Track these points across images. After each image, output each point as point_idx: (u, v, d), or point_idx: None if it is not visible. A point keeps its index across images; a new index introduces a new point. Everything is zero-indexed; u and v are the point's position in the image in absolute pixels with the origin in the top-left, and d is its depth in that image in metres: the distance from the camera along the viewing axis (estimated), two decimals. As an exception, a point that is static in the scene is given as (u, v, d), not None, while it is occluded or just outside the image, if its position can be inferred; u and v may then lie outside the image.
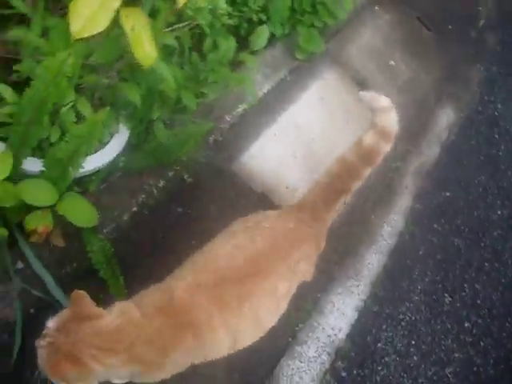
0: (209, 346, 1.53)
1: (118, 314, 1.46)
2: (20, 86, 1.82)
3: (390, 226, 2.83)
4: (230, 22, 2.57)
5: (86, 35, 1.49)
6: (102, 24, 1.51)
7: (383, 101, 1.72)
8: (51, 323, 1.43)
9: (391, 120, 1.70)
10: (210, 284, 1.52)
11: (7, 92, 1.77)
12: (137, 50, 1.60)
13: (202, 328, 1.48)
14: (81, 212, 1.82)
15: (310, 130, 2.83)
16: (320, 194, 1.79)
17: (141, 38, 1.59)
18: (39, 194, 1.75)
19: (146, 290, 1.55)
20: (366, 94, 1.75)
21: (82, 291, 1.46)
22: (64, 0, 1.89)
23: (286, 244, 1.68)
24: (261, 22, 2.73)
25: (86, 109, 1.79)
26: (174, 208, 2.31)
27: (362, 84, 3.16)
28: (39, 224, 1.82)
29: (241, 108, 2.61)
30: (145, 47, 1.61)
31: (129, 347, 1.40)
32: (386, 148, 1.71)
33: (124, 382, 1.49)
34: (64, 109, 1.76)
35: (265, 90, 2.73)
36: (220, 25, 2.47)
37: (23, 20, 1.97)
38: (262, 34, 2.36)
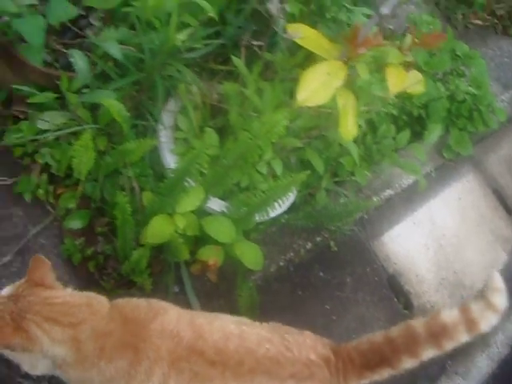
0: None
1: (81, 296, 1.46)
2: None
3: (505, 335, 2.87)
4: (394, 111, 2.76)
5: (309, 105, 1.69)
6: (323, 98, 1.71)
7: (500, 301, 1.48)
8: (4, 291, 1.40)
9: (490, 320, 1.47)
10: (186, 343, 1.42)
11: (212, 135, 1.99)
12: (342, 125, 1.80)
13: (142, 363, 1.38)
14: (251, 255, 1.99)
15: (443, 226, 2.94)
16: (364, 351, 1.53)
17: (348, 116, 1.79)
18: (221, 230, 1.93)
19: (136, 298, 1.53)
20: (497, 281, 1.51)
21: (43, 257, 1.43)
22: (274, 68, 2.11)
23: (288, 367, 1.47)
24: (419, 118, 2.90)
25: (278, 167, 1.99)
26: (316, 271, 2.46)
27: (497, 192, 3.27)
28: (211, 257, 2.00)
29: (387, 192, 2.76)
30: (349, 124, 1.79)
31: (75, 324, 1.37)
32: (463, 338, 1.48)
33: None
34: (261, 162, 1.95)
35: (410, 181, 2.87)
36: (384, 113, 2.67)
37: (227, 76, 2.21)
38: (435, 131, 2.53)
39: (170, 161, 2.03)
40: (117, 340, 1.40)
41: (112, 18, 2.14)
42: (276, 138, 1.82)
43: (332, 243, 2.50)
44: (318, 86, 1.74)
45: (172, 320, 1.47)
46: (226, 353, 1.43)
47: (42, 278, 1.41)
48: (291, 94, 2.06)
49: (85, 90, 2.09)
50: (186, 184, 1.88)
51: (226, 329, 1.49)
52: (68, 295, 1.44)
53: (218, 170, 1.90)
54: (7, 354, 1.41)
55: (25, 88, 2.04)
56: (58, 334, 1.36)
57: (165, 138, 2.05)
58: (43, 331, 1.34)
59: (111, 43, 1.79)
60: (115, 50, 1.79)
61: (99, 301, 1.48)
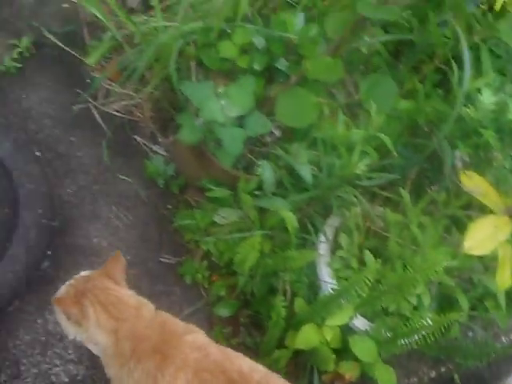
0: None
1: (135, 299, 1.67)
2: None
3: None
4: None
5: (474, 253, 1.81)
6: (488, 248, 1.82)
7: None
8: (85, 272, 1.68)
9: None
10: (213, 359, 1.56)
11: (372, 261, 2.13)
12: (499, 275, 1.89)
13: (169, 367, 1.51)
14: (387, 377, 2.08)
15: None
16: None
17: (506, 267, 1.88)
18: (365, 349, 2.04)
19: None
20: None
21: (122, 256, 1.68)
22: (436, 203, 2.24)
23: None
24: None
25: (427, 300, 2.10)
26: (436, 401, 2.50)
27: None
28: (349, 371, 2.11)
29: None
30: (505, 275, 1.88)
31: (119, 319, 1.57)
32: None
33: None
34: (412, 293, 2.06)
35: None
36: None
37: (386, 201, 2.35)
38: None
39: (325, 273, 2.17)
40: (149, 345, 1.55)
41: (293, 131, 2.35)
42: (434, 276, 1.92)
43: (456, 376, 2.54)
44: (484, 238, 1.86)
45: (204, 339, 1.63)
46: (249, 380, 1.52)
47: (113, 272, 1.64)
48: (450, 231, 2.18)
49: (257, 192, 2.28)
50: (340, 301, 2.00)
51: (253, 364, 1.60)
52: (125, 294, 1.65)
53: (373, 293, 2.02)
54: (64, 324, 1.62)
55: (207, 183, 2.27)
56: (104, 320, 1.56)
57: (323, 250, 2.20)
58: (94, 311, 1.55)
59: (303, 165, 1.98)
60: (306, 173, 1.99)
61: (148, 308, 1.67)
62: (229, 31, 2.39)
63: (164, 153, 2.59)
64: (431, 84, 2.40)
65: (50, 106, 2.56)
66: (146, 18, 2.55)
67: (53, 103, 2.57)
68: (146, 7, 2.83)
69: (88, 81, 2.64)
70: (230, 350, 1.64)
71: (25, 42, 2.65)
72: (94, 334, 1.57)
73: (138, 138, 2.59)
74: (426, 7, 2.55)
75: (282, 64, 2.31)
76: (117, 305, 1.59)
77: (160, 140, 2.63)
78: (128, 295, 1.66)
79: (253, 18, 2.48)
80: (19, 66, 2.60)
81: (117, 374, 1.60)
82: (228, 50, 2.31)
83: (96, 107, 2.58)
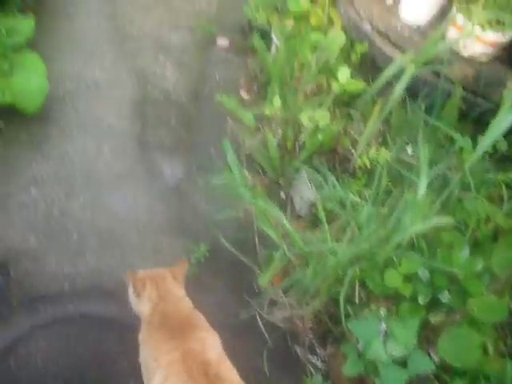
0: None
1: (183, 294, 2.25)
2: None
3: None
4: None
5: None
6: None
7: None
8: (161, 269, 2.28)
9: None
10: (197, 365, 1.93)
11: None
12: None
13: (168, 343, 2.04)
14: None
15: None
16: None
17: None
18: None
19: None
20: None
21: (186, 263, 2.34)
22: None
23: None
24: None
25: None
26: None
27: None
28: None
29: None
30: None
31: (163, 300, 2.16)
32: None
33: None
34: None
35: None
36: None
37: None
38: None
39: None
40: (170, 325, 2.08)
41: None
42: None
43: None
44: None
45: (213, 343, 2.10)
46: None
47: (176, 272, 2.26)
48: None
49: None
50: None
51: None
52: (177, 288, 2.24)
53: None
54: (131, 296, 2.23)
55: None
56: (153, 296, 2.15)
57: None
58: (150, 288, 2.17)
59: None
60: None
61: (187, 305, 2.22)
62: (394, 259, 2.48)
63: (321, 364, 2.65)
64: None
65: (219, 310, 2.72)
66: (315, 236, 2.71)
67: (221, 308, 2.74)
68: (315, 218, 3.01)
69: (256, 289, 2.80)
70: (227, 364, 2.02)
71: (203, 247, 2.89)
72: (144, 303, 2.15)
73: (298, 349, 2.67)
74: None
75: (445, 297, 2.35)
76: (167, 291, 2.17)
77: (318, 351, 2.70)
78: (178, 289, 2.22)
79: (417, 244, 2.57)
80: (194, 270, 2.81)
81: (142, 336, 2.13)
82: (393, 279, 2.39)
83: (260, 315, 2.71)
